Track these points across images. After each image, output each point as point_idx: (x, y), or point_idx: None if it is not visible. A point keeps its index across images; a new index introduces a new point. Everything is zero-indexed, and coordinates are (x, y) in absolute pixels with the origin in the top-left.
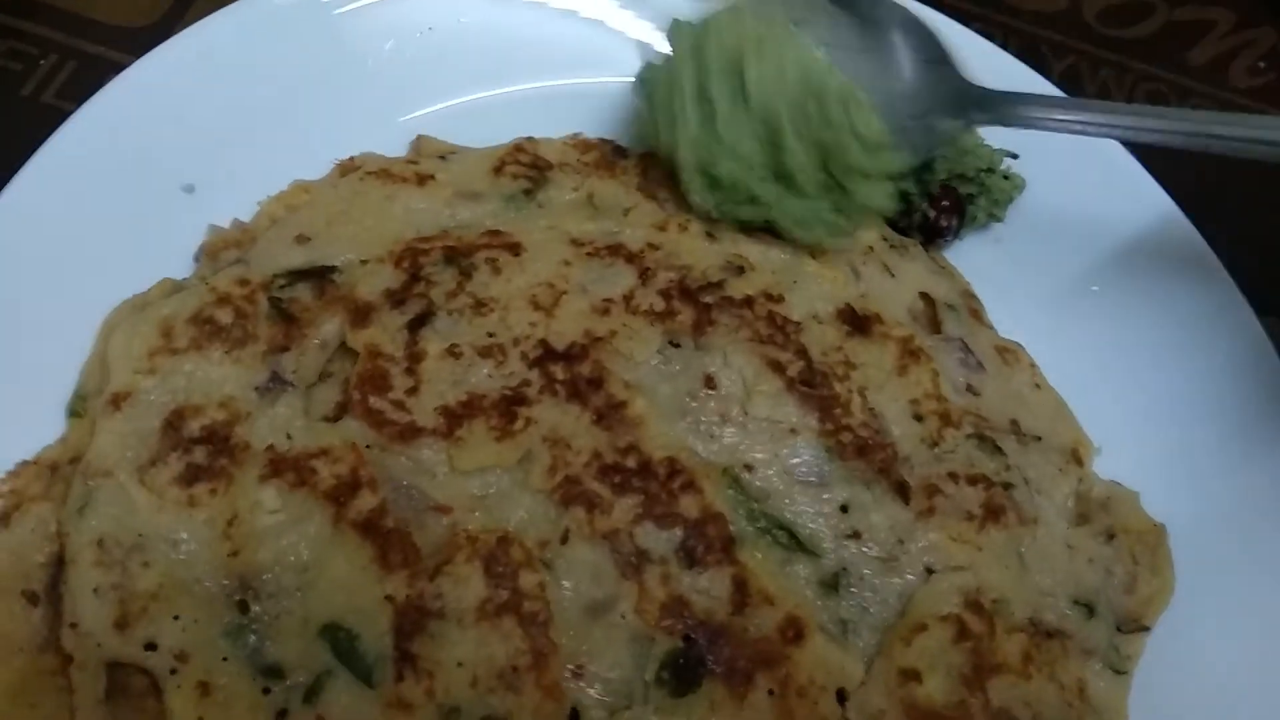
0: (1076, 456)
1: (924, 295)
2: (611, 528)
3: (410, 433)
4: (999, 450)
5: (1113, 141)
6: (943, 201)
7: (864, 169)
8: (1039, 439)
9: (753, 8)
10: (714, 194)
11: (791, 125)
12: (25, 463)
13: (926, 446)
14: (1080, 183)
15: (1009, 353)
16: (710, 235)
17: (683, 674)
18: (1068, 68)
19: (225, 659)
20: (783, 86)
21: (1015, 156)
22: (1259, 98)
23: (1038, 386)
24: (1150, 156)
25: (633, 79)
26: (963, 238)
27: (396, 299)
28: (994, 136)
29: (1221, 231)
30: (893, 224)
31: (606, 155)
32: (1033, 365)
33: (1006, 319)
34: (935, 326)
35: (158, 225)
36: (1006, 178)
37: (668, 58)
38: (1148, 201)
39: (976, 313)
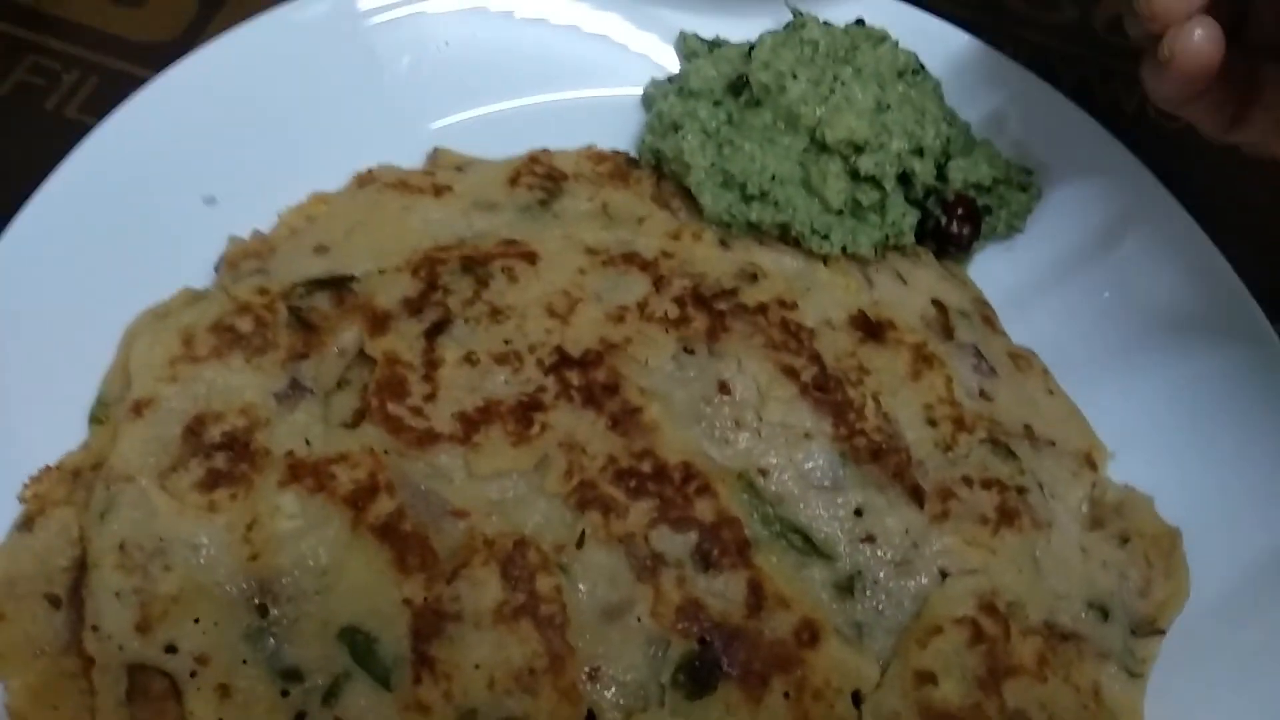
0: (1090, 461)
1: (936, 302)
2: (627, 531)
3: (428, 438)
4: (1012, 455)
5: (1121, 147)
6: (958, 210)
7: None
8: (1052, 444)
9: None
10: (726, 194)
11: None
12: (48, 468)
13: (940, 451)
14: (1092, 192)
15: (1022, 359)
16: (724, 244)
17: (698, 676)
18: (1078, 79)
19: (245, 661)
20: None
21: (1031, 173)
22: None
23: (1051, 392)
24: (1162, 163)
25: (643, 90)
26: (980, 249)
27: (414, 307)
28: (1009, 151)
29: (1234, 238)
30: None
31: (620, 166)
32: (1045, 371)
33: (1019, 326)
34: (948, 333)
35: (179, 236)
36: (1024, 189)
37: (678, 70)
38: (1160, 209)
39: (989, 319)
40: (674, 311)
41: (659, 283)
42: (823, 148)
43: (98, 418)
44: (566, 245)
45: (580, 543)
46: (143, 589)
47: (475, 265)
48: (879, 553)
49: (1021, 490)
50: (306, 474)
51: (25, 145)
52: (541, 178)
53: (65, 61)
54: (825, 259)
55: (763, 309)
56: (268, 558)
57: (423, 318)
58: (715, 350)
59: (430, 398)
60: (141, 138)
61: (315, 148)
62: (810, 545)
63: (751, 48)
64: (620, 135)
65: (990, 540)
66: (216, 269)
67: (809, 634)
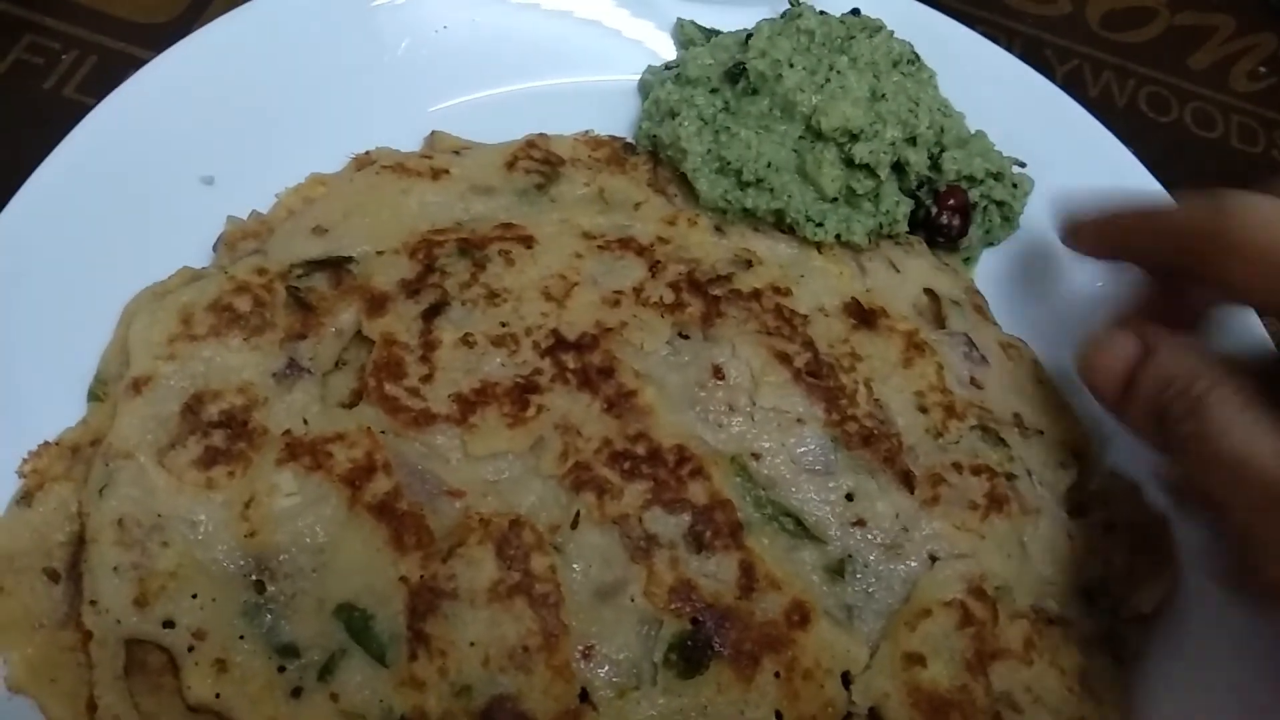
0: (1077, 450)
1: (929, 291)
2: (621, 513)
3: (424, 419)
4: (1002, 442)
5: (1114, 140)
6: (949, 201)
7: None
8: (1041, 433)
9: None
10: (722, 181)
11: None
12: (47, 444)
13: (931, 437)
14: (1084, 183)
15: (1013, 348)
16: (719, 230)
17: (690, 656)
18: (1071, 70)
19: (242, 637)
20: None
21: (1023, 165)
22: (1259, 102)
23: (1040, 382)
24: (1152, 154)
25: (640, 77)
26: (971, 241)
27: (411, 289)
28: (1002, 142)
29: None
30: None
31: (617, 151)
32: (1035, 361)
33: (1010, 315)
34: (940, 321)
35: (177, 216)
36: (1015, 184)
37: (675, 57)
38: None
39: (980, 308)
40: (669, 296)
41: (654, 268)
42: (818, 135)
43: (97, 395)
44: (563, 229)
45: (575, 523)
46: (141, 564)
47: (472, 248)
48: (869, 536)
49: (1010, 476)
50: (304, 453)
51: (22, 124)
52: (539, 162)
53: (64, 41)
54: (819, 246)
55: (757, 295)
56: (265, 535)
57: (420, 299)
58: (710, 335)
59: (427, 379)
60: (140, 117)
61: (313, 129)
62: (802, 528)
63: (749, 36)
64: (617, 121)
65: (979, 525)
66: (215, 249)
67: (799, 615)
